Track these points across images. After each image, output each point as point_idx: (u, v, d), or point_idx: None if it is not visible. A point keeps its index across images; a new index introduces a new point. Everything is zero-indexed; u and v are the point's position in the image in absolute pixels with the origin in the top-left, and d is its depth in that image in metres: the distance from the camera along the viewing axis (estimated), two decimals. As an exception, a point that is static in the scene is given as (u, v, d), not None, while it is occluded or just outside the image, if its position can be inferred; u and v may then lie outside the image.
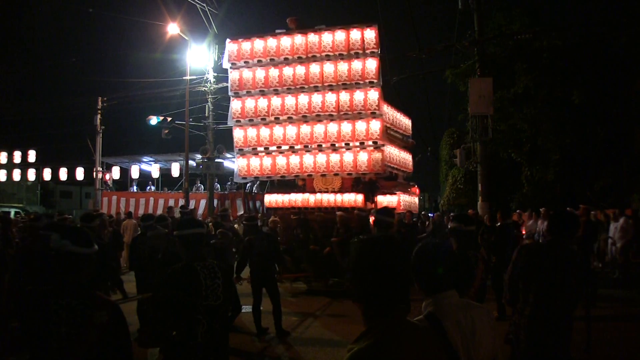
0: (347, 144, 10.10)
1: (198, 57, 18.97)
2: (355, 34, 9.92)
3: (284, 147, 10.70)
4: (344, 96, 10.05)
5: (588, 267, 4.02)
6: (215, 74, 18.72)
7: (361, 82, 9.89)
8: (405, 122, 12.33)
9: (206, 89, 18.80)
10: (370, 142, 9.90)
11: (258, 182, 18.91)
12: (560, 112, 19.03)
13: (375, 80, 9.81)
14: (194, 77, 18.82)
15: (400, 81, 15.53)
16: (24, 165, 25.24)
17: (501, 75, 18.42)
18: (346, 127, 10.07)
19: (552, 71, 18.85)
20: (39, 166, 25.08)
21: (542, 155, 19.81)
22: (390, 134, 11.34)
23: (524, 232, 12.40)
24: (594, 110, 18.39)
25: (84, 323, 2.22)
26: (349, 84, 10.02)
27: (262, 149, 10.90)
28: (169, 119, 18.85)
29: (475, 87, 13.48)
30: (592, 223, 9.52)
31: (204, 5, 17.78)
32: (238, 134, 11.01)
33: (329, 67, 10.16)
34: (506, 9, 20.88)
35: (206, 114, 19.20)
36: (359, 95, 9.91)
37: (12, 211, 21.89)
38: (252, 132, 10.91)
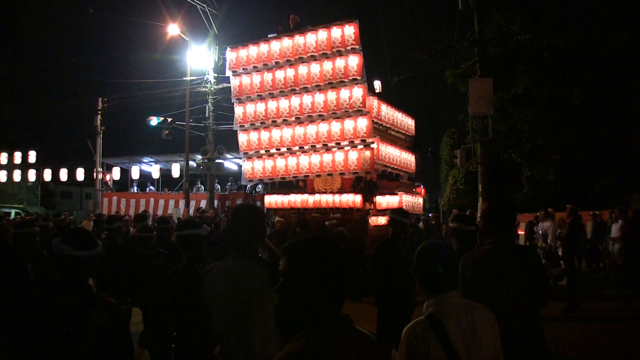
0: (337, 143, 10.13)
1: (198, 58, 18.97)
2: (335, 31, 9.95)
3: (283, 149, 10.83)
4: (331, 95, 10.09)
5: (540, 262, 3.37)
6: (216, 75, 18.72)
7: (345, 79, 9.91)
8: (408, 122, 12.33)
9: (206, 89, 18.79)
10: (359, 140, 9.92)
11: (261, 184, 18.94)
12: (560, 113, 19.02)
13: (358, 77, 9.81)
14: (194, 77, 18.83)
15: (400, 82, 15.53)
16: (25, 166, 25.23)
17: (501, 75, 18.40)
18: (335, 126, 10.10)
19: (553, 71, 18.84)
20: (39, 167, 25.07)
21: (543, 156, 19.79)
22: (391, 135, 11.35)
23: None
24: (594, 111, 18.37)
25: (84, 323, 2.23)
26: (335, 83, 10.06)
27: (263, 151, 11.09)
28: (169, 119, 18.84)
29: (475, 88, 13.46)
30: (581, 224, 9.50)
31: (204, 5, 17.79)
32: (242, 138, 11.31)
33: (314, 67, 10.22)
34: (506, 9, 20.89)
35: (206, 115, 19.20)
36: (344, 94, 9.94)
37: (13, 212, 21.89)
38: (254, 135, 11.15)
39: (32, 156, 24.98)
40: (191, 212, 18.44)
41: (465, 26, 15.54)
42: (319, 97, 10.20)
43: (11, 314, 2.33)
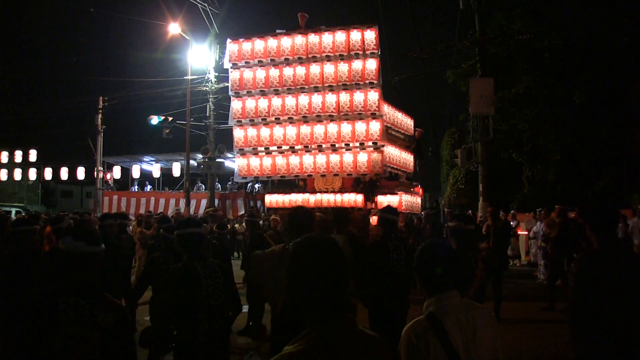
0: (347, 145, 10.10)
1: (199, 57, 18.97)
2: (355, 34, 9.92)
3: (284, 148, 10.72)
4: (344, 97, 10.04)
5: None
6: (217, 74, 18.72)
7: (361, 82, 9.88)
8: (407, 122, 12.33)
9: (207, 88, 18.81)
10: (370, 143, 9.90)
11: (261, 183, 18.95)
12: (561, 112, 19.02)
13: (375, 81, 9.80)
14: (195, 76, 18.83)
15: (401, 81, 15.55)
16: (25, 165, 25.25)
17: (502, 75, 18.41)
18: (346, 127, 10.06)
19: (553, 71, 18.84)
20: (40, 165, 25.09)
21: (543, 156, 19.80)
22: (391, 134, 11.35)
23: None
24: (595, 110, 18.37)
25: (89, 323, 2.23)
26: (349, 85, 10.01)
27: (262, 149, 10.92)
28: (170, 118, 18.84)
29: (476, 87, 13.48)
30: (569, 225, 9.44)
31: (205, 5, 17.79)
32: (238, 133, 11.02)
33: (329, 68, 10.15)
34: (507, 9, 20.87)
35: (207, 114, 19.21)
36: (358, 96, 9.90)
37: (13, 210, 21.90)
38: (252, 132, 10.91)
39: (33, 155, 24.99)
40: (192, 211, 18.45)
41: (466, 26, 15.52)
42: (331, 98, 10.12)
43: (17, 313, 2.34)
